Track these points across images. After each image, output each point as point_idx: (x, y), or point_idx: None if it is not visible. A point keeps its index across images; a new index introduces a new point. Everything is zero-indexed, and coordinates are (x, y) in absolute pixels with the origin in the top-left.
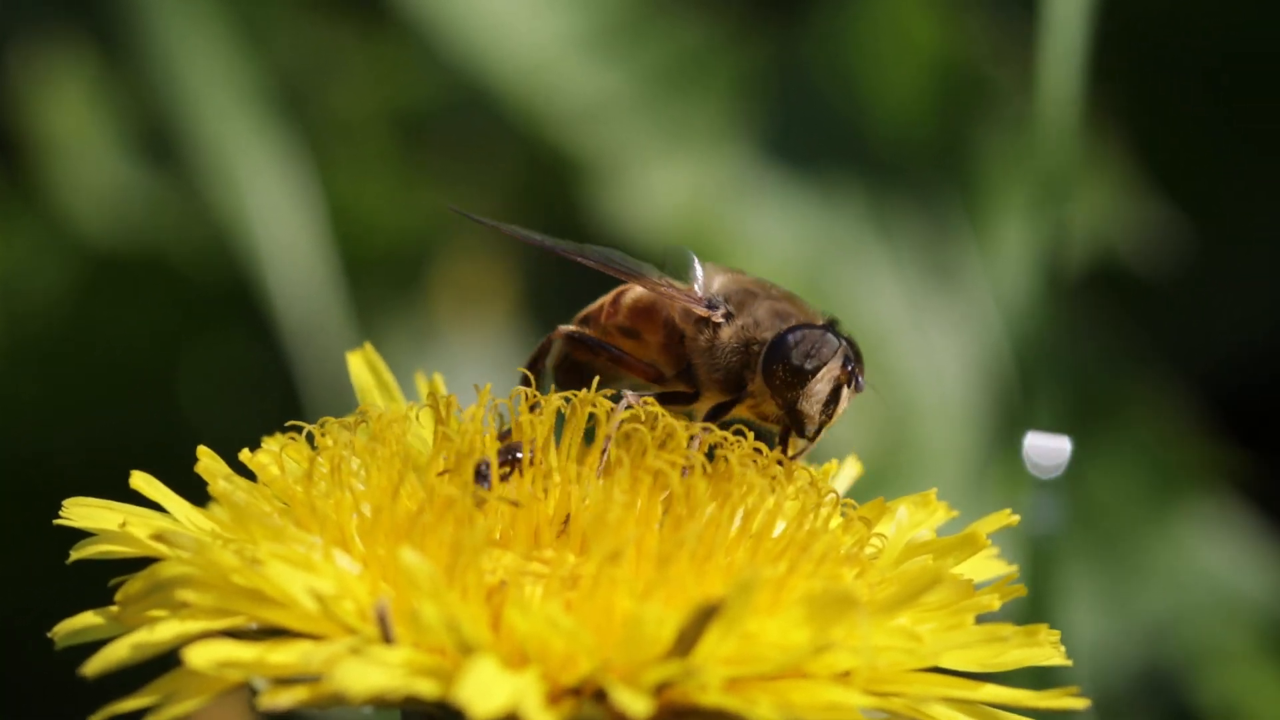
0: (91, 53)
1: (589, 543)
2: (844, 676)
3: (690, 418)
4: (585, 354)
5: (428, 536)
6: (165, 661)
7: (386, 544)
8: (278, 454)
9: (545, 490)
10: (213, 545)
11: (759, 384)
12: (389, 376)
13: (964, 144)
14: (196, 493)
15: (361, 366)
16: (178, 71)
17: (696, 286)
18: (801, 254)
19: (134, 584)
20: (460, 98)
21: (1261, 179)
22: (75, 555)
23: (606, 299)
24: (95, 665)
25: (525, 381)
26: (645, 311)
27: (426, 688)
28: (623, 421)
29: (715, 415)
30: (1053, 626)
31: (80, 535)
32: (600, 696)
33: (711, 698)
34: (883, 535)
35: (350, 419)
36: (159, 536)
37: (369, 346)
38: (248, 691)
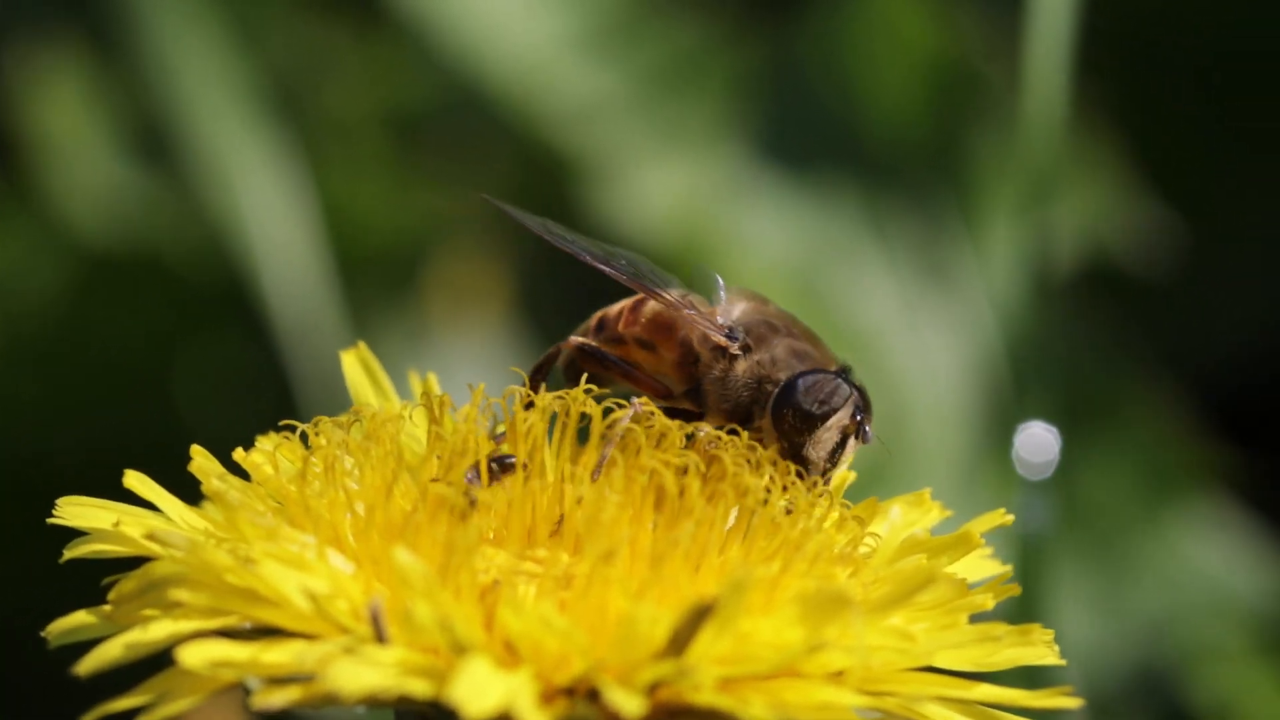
0: (86, 52)
1: (583, 542)
2: (837, 676)
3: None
4: (594, 366)
5: (421, 536)
6: (159, 661)
7: (380, 543)
8: (272, 453)
9: (539, 489)
10: (206, 544)
11: (767, 423)
12: (383, 376)
13: (958, 144)
14: (192, 491)
15: (355, 366)
16: (173, 71)
17: (719, 312)
18: (796, 254)
19: (127, 583)
20: (455, 98)
21: (1254, 177)
22: (68, 554)
23: (626, 304)
24: (88, 664)
25: (522, 382)
26: (664, 326)
27: (420, 687)
28: (625, 432)
29: None
30: (1046, 626)
31: (76, 534)
32: (594, 696)
33: (705, 697)
34: (876, 534)
35: (344, 418)
36: (152, 536)
37: (363, 346)
38: (241, 691)
